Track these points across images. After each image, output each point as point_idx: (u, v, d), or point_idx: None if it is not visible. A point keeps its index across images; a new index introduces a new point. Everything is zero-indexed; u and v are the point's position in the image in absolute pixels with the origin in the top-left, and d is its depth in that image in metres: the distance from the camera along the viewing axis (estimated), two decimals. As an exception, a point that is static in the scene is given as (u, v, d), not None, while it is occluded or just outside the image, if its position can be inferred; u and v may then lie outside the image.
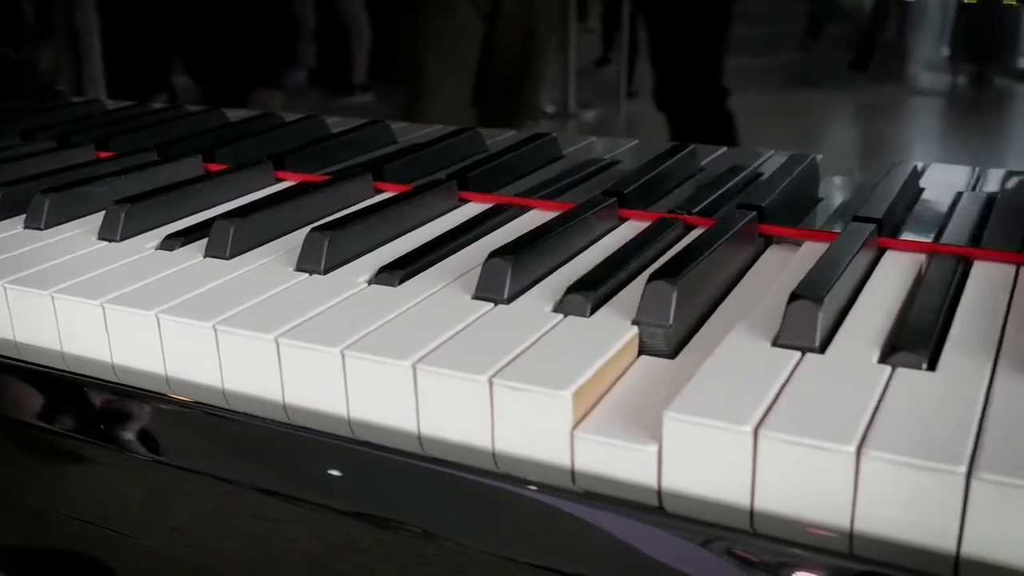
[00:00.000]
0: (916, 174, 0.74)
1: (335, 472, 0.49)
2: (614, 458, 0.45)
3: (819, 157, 0.78)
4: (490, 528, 0.46)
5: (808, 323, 0.49)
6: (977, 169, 0.75)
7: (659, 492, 0.44)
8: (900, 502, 0.40)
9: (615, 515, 0.44)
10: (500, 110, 0.88)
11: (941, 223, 0.65)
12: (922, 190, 0.75)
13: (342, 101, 0.96)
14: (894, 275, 0.58)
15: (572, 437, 0.46)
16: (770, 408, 0.43)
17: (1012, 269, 0.59)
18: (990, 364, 0.47)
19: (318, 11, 0.97)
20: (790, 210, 0.69)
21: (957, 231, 0.64)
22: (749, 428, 0.42)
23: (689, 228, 0.68)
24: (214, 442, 0.53)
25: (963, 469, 0.38)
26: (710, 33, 0.78)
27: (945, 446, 0.40)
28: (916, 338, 0.48)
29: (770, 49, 0.77)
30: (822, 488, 0.41)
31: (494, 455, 0.48)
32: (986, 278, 0.58)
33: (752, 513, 0.43)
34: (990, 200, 0.71)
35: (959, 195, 0.71)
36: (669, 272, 0.53)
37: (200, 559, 0.54)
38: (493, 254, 0.57)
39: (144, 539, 0.56)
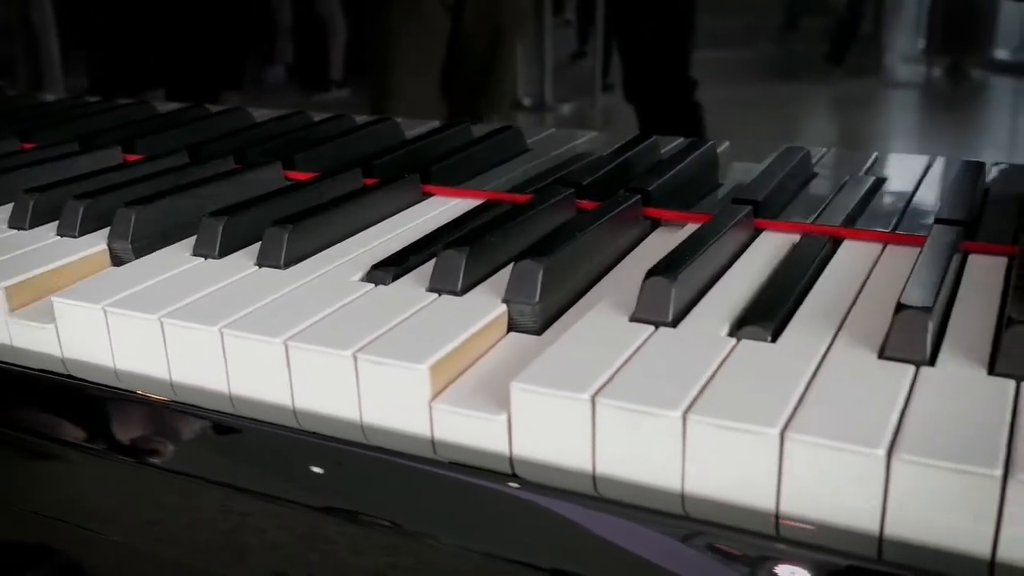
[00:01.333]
0: (807, 158, 0.77)
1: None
2: (468, 427, 0.47)
3: (727, 144, 0.80)
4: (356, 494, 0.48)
5: (662, 299, 0.51)
6: (875, 154, 0.78)
7: (511, 459, 0.46)
8: (722, 464, 0.42)
9: (472, 480, 0.46)
10: (470, 103, 0.89)
11: (823, 205, 0.68)
12: (815, 175, 0.77)
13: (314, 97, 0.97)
14: (764, 254, 0.61)
15: (430, 408, 0.48)
16: (611, 378, 0.45)
17: (878, 248, 0.61)
18: (830, 337, 0.49)
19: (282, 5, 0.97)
20: (681, 194, 0.71)
21: (835, 213, 0.66)
22: (587, 396, 0.44)
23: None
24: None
25: (775, 431, 0.40)
26: (680, 26, 0.79)
27: (766, 411, 0.42)
28: (763, 312, 0.50)
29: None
30: (654, 452, 0.43)
31: (362, 427, 0.50)
32: (851, 256, 0.60)
33: (595, 477, 0.45)
34: (876, 184, 0.73)
35: (848, 179, 0.73)
36: (538, 252, 0.55)
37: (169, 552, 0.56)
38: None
39: (111, 535, 0.57)
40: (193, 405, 0.52)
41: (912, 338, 0.46)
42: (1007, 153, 0.73)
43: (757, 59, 0.78)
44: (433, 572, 0.46)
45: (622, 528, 0.42)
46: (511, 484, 0.44)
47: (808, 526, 0.40)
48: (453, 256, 0.56)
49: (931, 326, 0.46)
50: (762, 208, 0.65)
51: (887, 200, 0.71)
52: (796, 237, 0.63)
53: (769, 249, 0.61)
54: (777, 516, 0.41)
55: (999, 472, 0.37)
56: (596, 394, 0.44)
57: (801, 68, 0.76)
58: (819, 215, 0.66)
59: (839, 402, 0.43)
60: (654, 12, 0.80)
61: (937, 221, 0.61)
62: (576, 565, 0.43)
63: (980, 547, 0.38)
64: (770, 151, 0.77)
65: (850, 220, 0.65)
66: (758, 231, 0.65)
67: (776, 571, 0.40)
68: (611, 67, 0.83)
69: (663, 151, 0.82)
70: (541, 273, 0.54)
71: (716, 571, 0.41)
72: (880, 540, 0.39)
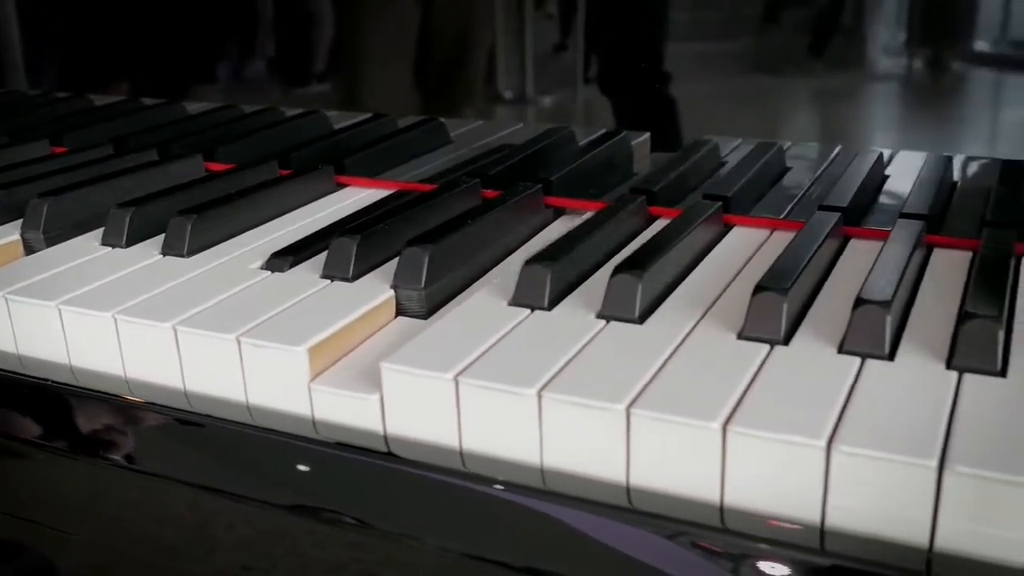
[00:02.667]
0: (716, 148, 0.79)
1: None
2: (345, 407, 0.49)
3: (646, 136, 0.82)
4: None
5: (538, 284, 0.53)
6: (788, 144, 0.80)
7: (385, 438, 0.48)
8: (572, 440, 0.44)
9: (347, 457, 0.47)
10: (442, 97, 0.90)
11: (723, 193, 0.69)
12: (724, 163, 0.79)
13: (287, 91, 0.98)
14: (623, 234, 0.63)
15: (309, 389, 0.49)
16: (477, 359, 0.47)
17: (765, 233, 0.64)
18: (696, 319, 0.51)
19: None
20: (587, 184, 0.73)
21: (734, 200, 0.68)
22: (450, 376, 0.46)
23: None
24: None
25: (621, 407, 0.42)
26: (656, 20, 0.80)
27: (616, 388, 0.44)
28: (620, 300, 0.52)
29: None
30: (514, 428, 0.45)
31: (248, 408, 0.51)
32: (738, 240, 0.62)
33: (462, 454, 0.47)
34: (780, 173, 0.75)
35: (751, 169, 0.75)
36: (425, 239, 0.57)
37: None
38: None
39: (75, 534, 0.58)
40: (89, 390, 0.53)
41: (768, 319, 0.48)
42: (986, 146, 0.73)
43: (736, 53, 0.79)
44: (396, 568, 0.48)
45: (481, 498, 0.44)
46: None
47: (657, 496, 0.43)
48: (345, 243, 0.58)
49: (786, 308, 0.48)
50: (658, 197, 0.67)
51: (786, 188, 0.73)
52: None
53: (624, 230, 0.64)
54: (628, 489, 0.43)
55: (822, 443, 0.39)
56: (459, 374, 0.46)
57: (782, 61, 0.77)
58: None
59: (690, 380, 0.45)
60: (630, 5, 0.80)
61: (838, 212, 0.63)
62: (445, 536, 0.45)
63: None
64: (745, 144, 0.79)
65: (745, 207, 0.67)
66: (653, 219, 0.66)
67: (625, 538, 0.41)
68: (592, 60, 0.83)
69: (583, 142, 0.83)
70: (427, 259, 0.56)
71: (573, 543, 0.43)
72: (722, 507, 0.42)
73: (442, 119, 0.90)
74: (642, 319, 0.51)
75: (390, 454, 0.48)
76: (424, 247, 0.56)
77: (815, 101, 0.77)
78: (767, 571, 0.39)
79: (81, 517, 0.56)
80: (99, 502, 0.56)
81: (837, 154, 0.77)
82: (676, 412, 0.42)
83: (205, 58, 1.01)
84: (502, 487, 0.44)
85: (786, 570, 0.39)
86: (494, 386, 0.45)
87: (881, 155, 0.74)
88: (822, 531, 0.40)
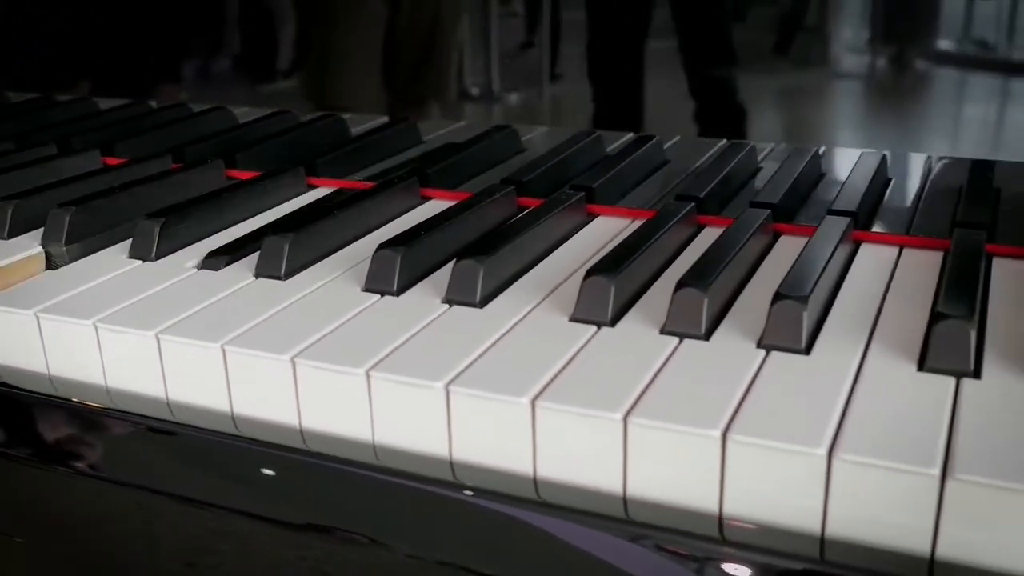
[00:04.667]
0: (600, 141, 0.81)
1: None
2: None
3: (545, 130, 0.84)
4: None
5: (389, 269, 0.55)
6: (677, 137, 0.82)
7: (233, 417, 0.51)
8: (400, 418, 0.46)
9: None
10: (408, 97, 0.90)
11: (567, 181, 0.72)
12: (606, 157, 0.81)
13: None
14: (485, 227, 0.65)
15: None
16: (317, 342, 0.50)
17: (626, 222, 0.66)
18: (535, 303, 0.53)
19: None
20: (459, 175, 0.76)
21: (605, 193, 0.71)
22: (287, 357, 0.48)
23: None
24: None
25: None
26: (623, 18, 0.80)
27: (439, 368, 0.46)
28: (464, 281, 0.54)
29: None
30: (347, 407, 0.47)
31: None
32: (600, 229, 0.65)
33: (169, 403, 0.52)
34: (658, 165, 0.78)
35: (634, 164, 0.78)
36: (285, 228, 0.59)
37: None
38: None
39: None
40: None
41: (689, 314, 0.49)
42: (934, 144, 0.74)
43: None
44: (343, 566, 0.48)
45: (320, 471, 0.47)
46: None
47: (562, 485, 0.44)
48: (276, 241, 0.59)
49: (705, 304, 0.49)
50: (525, 188, 0.70)
51: (661, 181, 0.76)
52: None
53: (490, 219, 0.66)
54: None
55: (717, 433, 0.41)
56: (297, 355, 0.48)
57: (748, 59, 0.77)
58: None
59: (512, 359, 0.47)
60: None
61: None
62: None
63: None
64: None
65: (612, 198, 0.70)
66: (521, 209, 0.69)
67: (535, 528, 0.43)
68: (559, 58, 0.84)
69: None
70: (287, 247, 0.58)
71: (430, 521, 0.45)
72: (536, 479, 0.44)
73: (342, 115, 0.92)
74: (483, 303, 0.53)
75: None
76: (284, 236, 0.58)
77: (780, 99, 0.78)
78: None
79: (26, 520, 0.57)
80: (42, 505, 0.56)
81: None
82: (492, 390, 0.44)
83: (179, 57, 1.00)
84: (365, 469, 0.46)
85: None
86: (329, 367, 0.47)
87: (817, 152, 0.76)
88: (720, 520, 0.41)
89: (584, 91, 0.82)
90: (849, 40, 0.75)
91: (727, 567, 0.39)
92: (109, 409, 0.52)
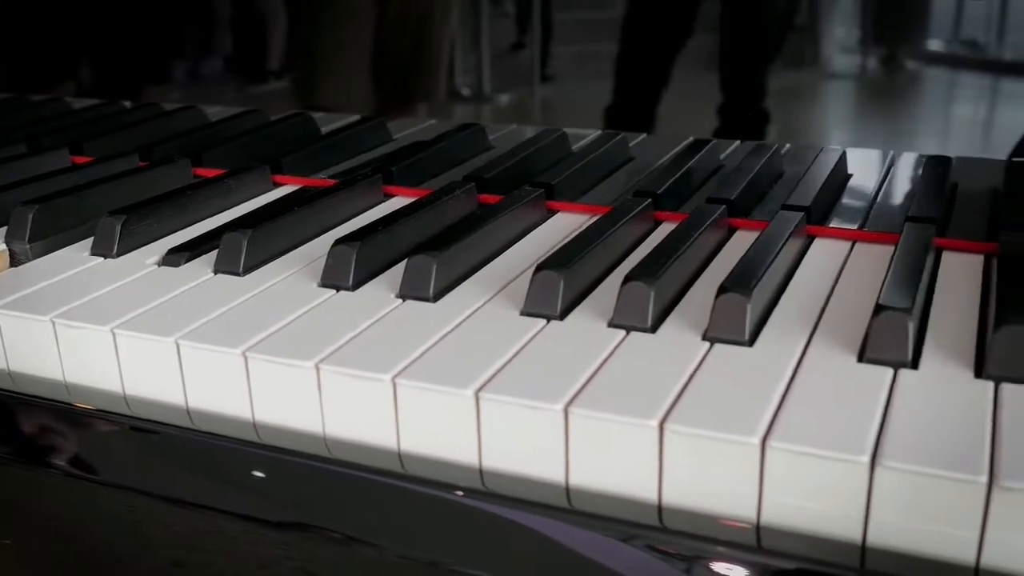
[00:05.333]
0: (564, 138, 0.82)
1: None
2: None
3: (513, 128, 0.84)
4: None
5: (344, 265, 0.56)
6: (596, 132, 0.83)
7: (188, 411, 0.51)
8: (351, 410, 0.47)
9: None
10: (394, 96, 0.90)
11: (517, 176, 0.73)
12: (570, 154, 0.82)
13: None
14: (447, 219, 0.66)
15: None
16: (270, 335, 0.50)
17: (584, 218, 0.67)
18: (487, 298, 0.54)
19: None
20: (424, 172, 0.76)
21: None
22: (240, 351, 0.49)
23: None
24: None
25: (470, 392, 0.44)
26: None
27: (459, 372, 0.46)
28: (417, 276, 0.55)
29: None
30: (297, 398, 0.48)
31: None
32: (562, 224, 0.66)
33: (126, 398, 0.52)
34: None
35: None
36: (245, 224, 0.60)
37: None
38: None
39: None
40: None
41: (635, 307, 0.50)
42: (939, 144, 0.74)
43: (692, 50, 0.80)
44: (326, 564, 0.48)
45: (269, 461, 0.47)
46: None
47: (508, 476, 0.45)
48: (235, 237, 0.60)
49: (652, 297, 0.50)
50: (486, 185, 0.70)
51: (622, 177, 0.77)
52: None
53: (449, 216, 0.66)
54: (482, 471, 0.45)
55: (654, 423, 0.42)
56: (249, 349, 0.49)
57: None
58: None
59: (458, 353, 0.48)
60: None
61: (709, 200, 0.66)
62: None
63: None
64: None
65: (572, 194, 0.71)
66: (481, 205, 0.70)
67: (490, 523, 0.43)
68: (549, 58, 0.84)
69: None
70: (246, 243, 0.59)
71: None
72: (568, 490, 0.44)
73: (310, 114, 0.93)
74: (436, 298, 0.54)
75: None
76: (243, 232, 0.59)
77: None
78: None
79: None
80: (26, 505, 0.57)
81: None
82: (438, 382, 0.45)
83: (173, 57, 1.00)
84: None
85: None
86: (280, 360, 0.48)
87: (778, 148, 0.76)
88: (661, 508, 0.42)
89: (572, 91, 0.82)
90: (824, 37, 0.76)
91: (662, 548, 0.40)
92: (85, 408, 0.52)
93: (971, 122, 0.73)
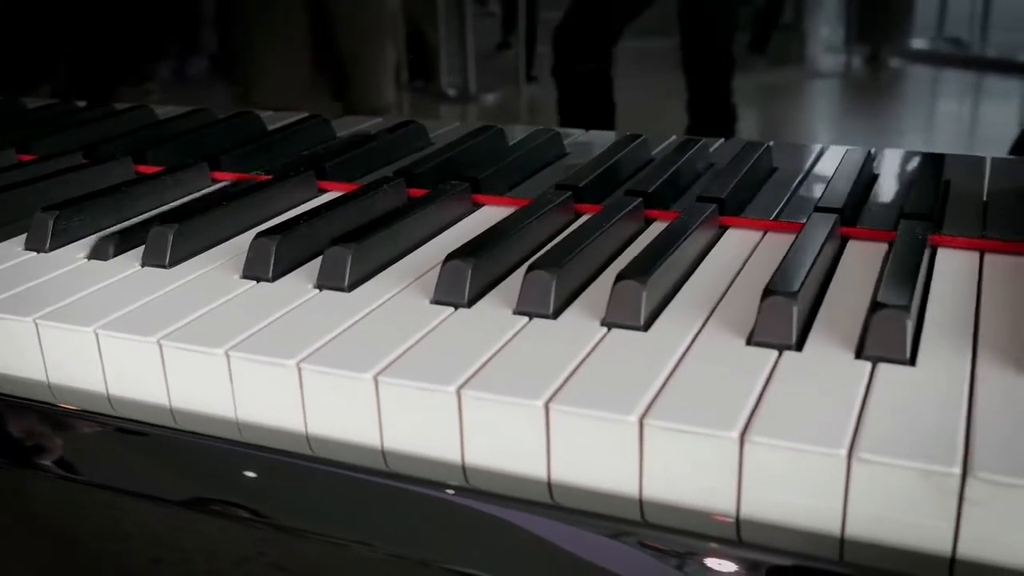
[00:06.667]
0: (501, 134, 0.84)
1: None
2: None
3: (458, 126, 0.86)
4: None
5: (264, 256, 0.58)
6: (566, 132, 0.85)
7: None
8: (259, 394, 0.49)
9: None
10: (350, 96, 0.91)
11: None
12: (504, 149, 0.84)
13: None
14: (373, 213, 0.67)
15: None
16: (184, 325, 0.52)
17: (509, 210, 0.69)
18: (400, 287, 0.56)
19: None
20: (359, 168, 0.78)
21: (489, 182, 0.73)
22: (154, 340, 0.50)
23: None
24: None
25: (369, 376, 0.46)
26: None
27: (361, 357, 0.47)
28: (334, 267, 0.57)
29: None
30: (211, 386, 0.49)
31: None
32: (489, 216, 0.68)
33: (50, 386, 0.54)
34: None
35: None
36: (172, 219, 0.61)
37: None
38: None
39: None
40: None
41: (538, 296, 0.52)
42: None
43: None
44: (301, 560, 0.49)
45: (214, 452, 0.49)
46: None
47: (408, 457, 0.46)
48: (162, 231, 0.62)
49: (554, 284, 0.52)
50: (416, 180, 0.72)
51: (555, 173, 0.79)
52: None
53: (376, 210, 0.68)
54: (463, 466, 0.46)
55: (539, 403, 0.44)
56: (163, 338, 0.50)
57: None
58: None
59: (364, 339, 0.50)
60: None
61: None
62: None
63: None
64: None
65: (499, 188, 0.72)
66: (411, 200, 0.71)
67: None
68: (535, 58, 0.83)
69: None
70: (171, 237, 0.60)
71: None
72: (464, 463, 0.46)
73: (257, 113, 0.94)
74: (351, 288, 0.56)
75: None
76: (169, 226, 0.60)
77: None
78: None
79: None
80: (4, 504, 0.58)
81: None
82: (340, 367, 0.47)
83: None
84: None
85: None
86: (193, 348, 0.50)
87: (691, 142, 0.78)
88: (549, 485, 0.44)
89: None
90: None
91: (551, 527, 0.42)
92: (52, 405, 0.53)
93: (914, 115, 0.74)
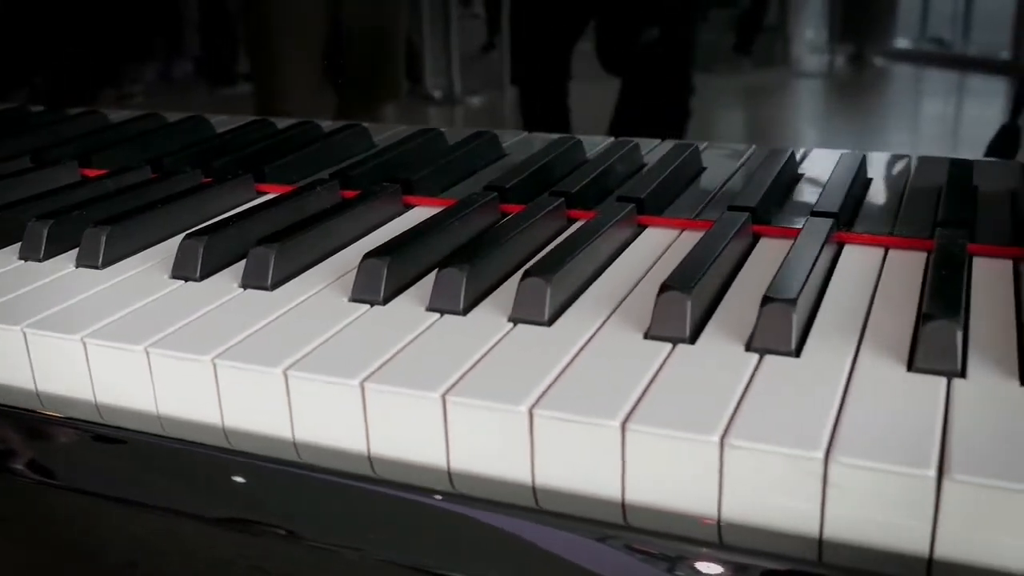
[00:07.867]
0: (441, 137, 0.86)
1: None
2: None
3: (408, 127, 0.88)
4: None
5: (192, 257, 0.60)
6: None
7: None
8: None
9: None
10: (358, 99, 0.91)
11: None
12: (441, 151, 0.86)
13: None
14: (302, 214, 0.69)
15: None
16: (111, 322, 0.54)
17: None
18: (322, 286, 0.58)
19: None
20: (297, 171, 0.80)
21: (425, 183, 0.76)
22: (78, 337, 0.52)
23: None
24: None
25: (279, 371, 0.49)
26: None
27: (269, 354, 0.49)
28: (257, 267, 0.59)
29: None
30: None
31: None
32: (419, 216, 0.70)
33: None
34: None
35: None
36: (111, 221, 0.63)
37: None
38: None
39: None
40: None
41: (449, 293, 0.54)
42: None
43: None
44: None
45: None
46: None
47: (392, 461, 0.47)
48: (94, 233, 0.64)
49: (464, 282, 0.54)
50: (350, 182, 0.74)
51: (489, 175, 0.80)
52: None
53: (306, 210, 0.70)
54: (369, 457, 0.48)
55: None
56: (86, 336, 0.52)
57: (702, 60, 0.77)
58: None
59: (300, 336, 0.52)
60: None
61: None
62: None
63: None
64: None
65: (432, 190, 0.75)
66: (342, 201, 0.73)
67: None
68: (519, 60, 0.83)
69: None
70: (104, 238, 0.62)
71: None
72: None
73: (206, 116, 0.96)
74: (275, 287, 0.58)
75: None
76: (102, 228, 0.62)
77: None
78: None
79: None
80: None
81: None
82: (250, 362, 0.49)
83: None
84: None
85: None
86: (110, 344, 0.52)
87: (637, 144, 0.80)
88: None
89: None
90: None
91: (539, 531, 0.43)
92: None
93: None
